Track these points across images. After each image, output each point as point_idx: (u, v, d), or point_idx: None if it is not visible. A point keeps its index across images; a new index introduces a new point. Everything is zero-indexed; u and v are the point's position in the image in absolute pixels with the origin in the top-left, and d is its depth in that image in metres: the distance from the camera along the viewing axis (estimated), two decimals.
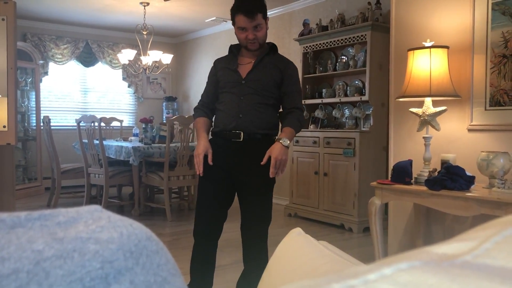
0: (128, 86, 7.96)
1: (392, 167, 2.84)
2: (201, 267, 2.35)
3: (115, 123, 6.54)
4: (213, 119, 2.43)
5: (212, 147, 2.30)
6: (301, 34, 5.24)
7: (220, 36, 7.18)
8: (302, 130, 5.17)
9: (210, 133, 2.42)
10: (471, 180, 2.48)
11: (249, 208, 2.31)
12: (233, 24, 2.31)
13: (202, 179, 2.34)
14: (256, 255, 2.32)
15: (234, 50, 2.42)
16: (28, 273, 0.30)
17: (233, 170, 2.29)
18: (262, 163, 2.21)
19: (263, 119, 2.28)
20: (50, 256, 0.31)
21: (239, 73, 2.31)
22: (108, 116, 6.74)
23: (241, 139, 2.25)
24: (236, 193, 2.37)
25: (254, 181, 2.28)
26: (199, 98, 2.52)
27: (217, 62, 2.46)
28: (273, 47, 2.41)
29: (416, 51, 2.72)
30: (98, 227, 0.35)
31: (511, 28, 2.65)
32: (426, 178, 2.61)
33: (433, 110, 2.70)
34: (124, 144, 5.06)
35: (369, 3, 4.62)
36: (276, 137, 2.30)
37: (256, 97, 2.28)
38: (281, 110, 2.43)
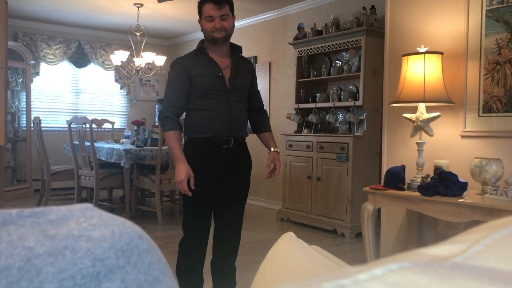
0: (121, 88, 7.92)
1: (385, 173, 2.84)
2: (191, 280, 2.38)
3: (106, 125, 6.51)
4: (192, 123, 2.32)
5: (200, 154, 2.29)
6: (296, 38, 5.25)
7: None
8: (295, 134, 5.18)
9: (191, 139, 2.34)
10: (463, 186, 2.48)
11: (229, 214, 2.42)
12: (200, 18, 2.30)
13: (190, 200, 2.32)
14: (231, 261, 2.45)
15: (203, 49, 2.32)
16: (19, 269, 0.30)
17: (220, 176, 2.33)
18: (268, 169, 2.40)
19: (246, 125, 2.41)
20: (41, 253, 0.31)
21: (225, 80, 2.30)
22: (99, 117, 6.70)
23: (231, 145, 2.31)
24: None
25: (237, 189, 2.40)
26: None
27: (187, 63, 2.29)
28: (241, 50, 2.48)
29: (410, 57, 2.73)
30: (90, 225, 0.35)
31: (504, 35, 2.67)
32: (419, 183, 2.61)
33: (426, 115, 2.71)
34: (116, 146, 5.03)
35: (364, 8, 4.65)
36: (272, 148, 2.45)
37: (241, 105, 2.36)
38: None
